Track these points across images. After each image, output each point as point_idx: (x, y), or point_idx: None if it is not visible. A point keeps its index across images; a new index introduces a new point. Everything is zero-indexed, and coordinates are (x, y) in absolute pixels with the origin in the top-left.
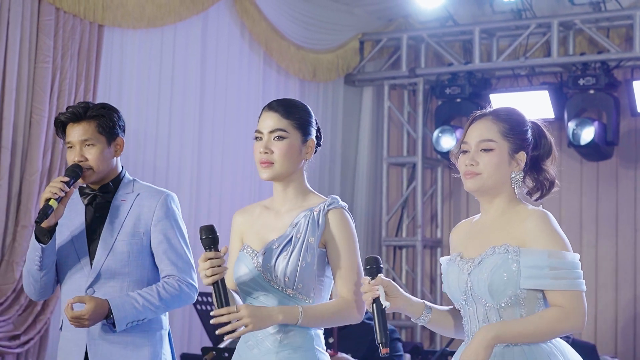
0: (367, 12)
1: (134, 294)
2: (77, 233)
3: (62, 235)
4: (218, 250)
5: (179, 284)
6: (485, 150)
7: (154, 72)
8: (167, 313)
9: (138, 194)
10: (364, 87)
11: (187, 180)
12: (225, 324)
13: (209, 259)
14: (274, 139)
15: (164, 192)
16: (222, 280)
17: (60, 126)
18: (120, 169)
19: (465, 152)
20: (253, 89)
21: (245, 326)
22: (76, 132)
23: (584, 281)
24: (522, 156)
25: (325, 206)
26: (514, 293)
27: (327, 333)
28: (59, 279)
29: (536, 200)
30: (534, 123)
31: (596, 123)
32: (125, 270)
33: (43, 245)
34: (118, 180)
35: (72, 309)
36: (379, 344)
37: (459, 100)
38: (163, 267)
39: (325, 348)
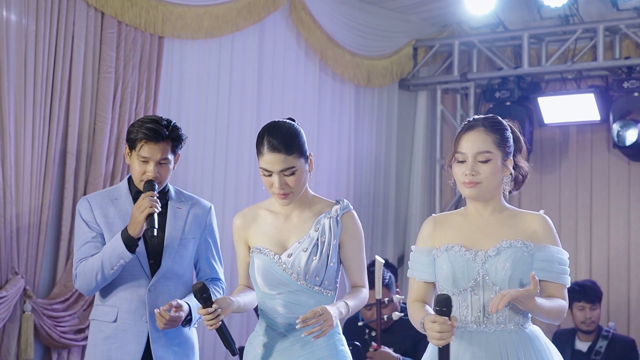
0: (421, 19)
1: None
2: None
3: (113, 233)
4: (210, 306)
5: (222, 285)
6: (483, 161)
7: (213, 81)
8: None
9: (191, 203)
10: (419, 91)
11: (244, 186)
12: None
13: (204, 315)
14: (285, 175)
15: (209, 203)
16: (222, 324)
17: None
18: None
19: (461, 162)
20: (309, 95)
21: (329, 326)
22: (156, 151)
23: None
24: (511, 162)
25: (342, 210)
26: (523, 282)
27: (371, 327)
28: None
29: (510, 192)
30: (510, 126)
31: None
32: (182, 272)
33: (133, 255)
34: (166, 189)
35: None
36: None
37: (508, 103)
38: (207, 269)
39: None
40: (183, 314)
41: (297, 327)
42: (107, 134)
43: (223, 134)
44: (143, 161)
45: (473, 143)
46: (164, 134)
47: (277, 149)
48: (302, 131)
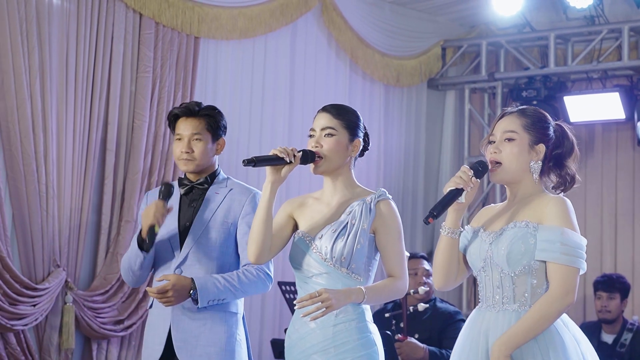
0: (449, 20)
1: (217, 275)
2: (170, 219)
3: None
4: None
5: (257, 272)
6: (508, 140)
7: (246, 80)
8: (244, 300)
9: (231, 189)
10: (447, 90)
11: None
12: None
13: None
14: (324, 136)
15: (253, 190)
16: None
17: (173, 119)
18: (216, 166)
19: (492, 142)
20: (340, 95)
21: (327, 307)
22: (187, 126)
23: (585, 263)
24: (542, 148)
25: (376, 197)
26: (528, 263)
27: (398, 319)
28: (154, 263)
29: (559, 193)
30: (558, 124)
31: None
32: (212, 255)
33: (145, 253)
34: (214, 175)
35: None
36: (430, 212)
37: (535, 102)
38: (245, 256)
39: (372, 320)
40: (170, 284)
41: (295, 308)
42: (145, 131)
43: (256, 131)
44: (178, 139)
45: (503, 125)
46: (194, 108)
47: (327, 110)
48: (360, 117)
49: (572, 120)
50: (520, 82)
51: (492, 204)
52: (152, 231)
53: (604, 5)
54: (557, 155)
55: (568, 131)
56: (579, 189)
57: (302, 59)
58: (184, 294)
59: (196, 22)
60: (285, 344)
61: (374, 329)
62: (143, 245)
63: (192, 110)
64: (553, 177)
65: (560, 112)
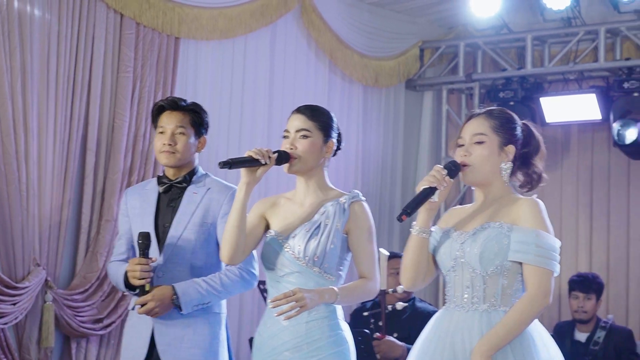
0: (427, 21)
1: (198, 279)
2: (147, 220)
3: (135, 223)
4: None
5: (240, 271)
6: (477, 142)
7: (226, 80)
8: (226, 300)
9: (209, 188)
10: (424, 91)
11: (256, 186)
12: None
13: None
14: (299, 137)
15: (233, 187)
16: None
17: (157, 112)
18: (195, 164)
19: (461, 145)
20: (319, 95)
21: (301, 307)
22: (172, 119)
23: (558, 265)
24: (511, 149)
25: (350, 198)
26: (501, 263)
27: (377, 317)
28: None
29: (526, 192)
30: (524, 124)
31: (639, 124)
32: (193, 257)
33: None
34: (192, 174)
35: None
36: (403, 210)
37: (512, 103)
38: None
39: (343, 318)
40: (150, 296)
41: (269, 307)
42: (126, 131)
43: (235, 131)
44: (160, 132)
45: (472, 127)
46: (180, 102)
47: (301, 112)
48: (334, 118)
49: (548, 120)
50: (497, 83)
51: (459, 206)
52: (144, 293)
53: (581, 7)
54: (524, 154)
55: (534, 130)
56: (555, 188)
57: (282, 59)
58: (167, 302)
59: (177, 22)
60: (255, 342)
61: (345, 326)
62: (134, 289)
63: (178, 103)
64: (520, 176)
65: (536, 113)
